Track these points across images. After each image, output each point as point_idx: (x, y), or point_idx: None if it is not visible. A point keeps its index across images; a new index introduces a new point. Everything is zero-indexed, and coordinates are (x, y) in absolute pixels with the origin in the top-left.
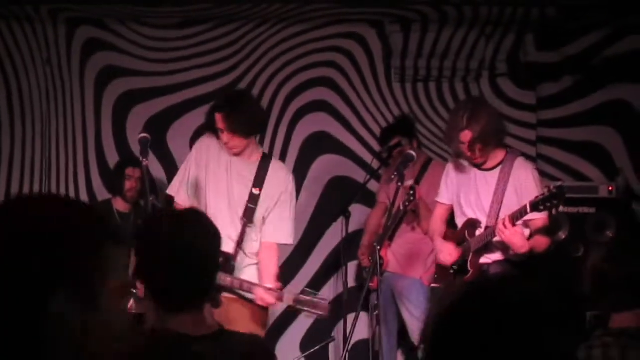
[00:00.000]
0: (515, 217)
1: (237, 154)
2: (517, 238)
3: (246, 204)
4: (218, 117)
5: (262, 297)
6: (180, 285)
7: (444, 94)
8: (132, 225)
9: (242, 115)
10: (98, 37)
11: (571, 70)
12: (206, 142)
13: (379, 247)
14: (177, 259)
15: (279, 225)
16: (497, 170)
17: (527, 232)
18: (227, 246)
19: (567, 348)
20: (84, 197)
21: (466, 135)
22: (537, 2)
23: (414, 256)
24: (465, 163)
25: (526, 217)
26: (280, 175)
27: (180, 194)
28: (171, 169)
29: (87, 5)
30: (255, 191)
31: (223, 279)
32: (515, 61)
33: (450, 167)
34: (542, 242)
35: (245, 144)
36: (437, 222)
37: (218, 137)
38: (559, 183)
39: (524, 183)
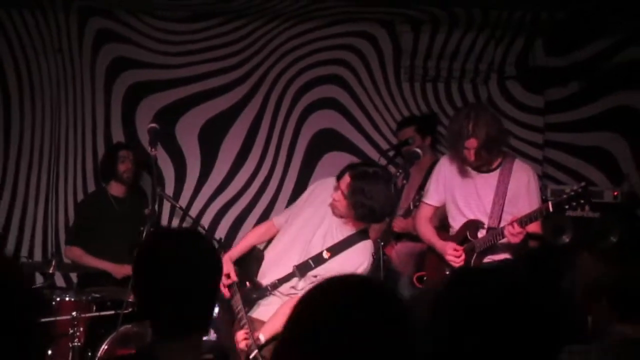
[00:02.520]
0: (529, 219)
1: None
2: (521, 237)
3: (308, 258)
4: None
5: (237, 340)
6: (177, 310)
7: (453, 94)
8: (130, 210)
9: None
10: (109, 28)
11: (579, 75)
12: None
13: (382, 243)
14: (176, 282)
15: None
16: (497, 172)
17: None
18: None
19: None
20: (91, 184)
21: (472, 143)
22: (546, 6)
23: (414, 254)
24: (469, 168)
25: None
26: (353, 256)
27: None
28: (179, 161)
29: None
30: (326, 254)
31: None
32: (524, 65)
33: (443, 168)
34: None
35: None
36: (425, 224)
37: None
38: (582, 183)
39: (525, 184)
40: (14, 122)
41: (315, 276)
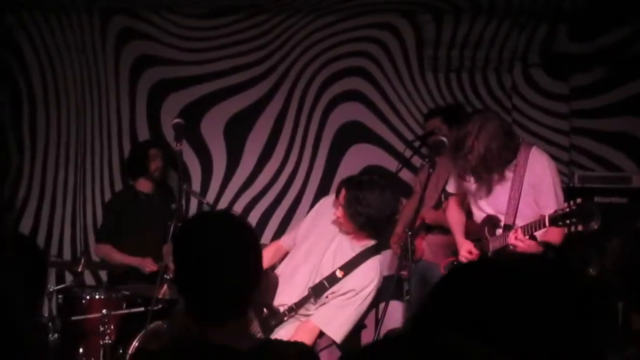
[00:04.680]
0: (530, 229)
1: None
2: (532, 249)
3: (322, 279)
4: None
5: None
6: (220, 294)
7: (477, 84)
8: (158, 206)
9: None
10: (132, 26)
11: (603, 61)
12: None
13: (410, 233)
14: (214, 266)
15: (334, 313)
16: (512, 165)
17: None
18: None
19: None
20: (117, 181)
21: (470, 157)
22: None
23: (446, 245)
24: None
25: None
26: (365, 272)
27: None
28: (205, 158)
29: None
30: (339, 273)
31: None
32: (548, 52)
33: None
34: (555, 239)
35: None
36: (454, 214)
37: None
38: (579, 200)
39: (541, 176)
40: (40, 123)
41: (327, 297)
